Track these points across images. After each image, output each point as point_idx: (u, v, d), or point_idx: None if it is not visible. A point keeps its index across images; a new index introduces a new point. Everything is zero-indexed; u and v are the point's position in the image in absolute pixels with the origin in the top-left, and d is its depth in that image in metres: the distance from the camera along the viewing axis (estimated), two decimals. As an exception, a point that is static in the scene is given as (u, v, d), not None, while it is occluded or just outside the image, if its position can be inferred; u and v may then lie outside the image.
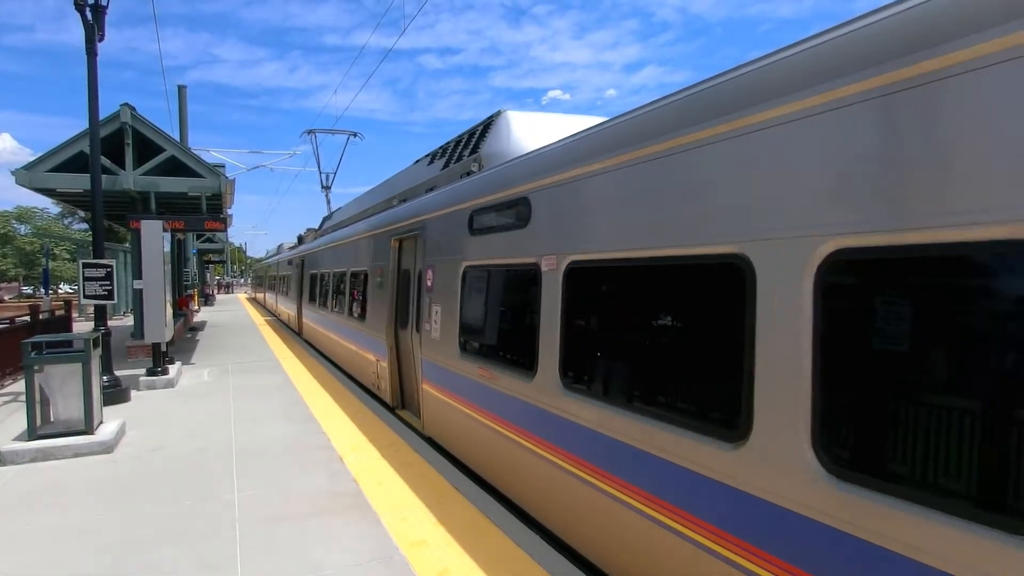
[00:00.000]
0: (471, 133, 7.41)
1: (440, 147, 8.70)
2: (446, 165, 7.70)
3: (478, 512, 4.52)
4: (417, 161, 9.86)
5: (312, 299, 15.48)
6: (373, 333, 8.92)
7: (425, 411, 6.68)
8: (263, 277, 38.32)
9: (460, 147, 7.52)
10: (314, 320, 15.13)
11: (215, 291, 53.74)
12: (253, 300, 44.99)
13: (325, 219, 19.20)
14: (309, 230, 20.99)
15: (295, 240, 28.67)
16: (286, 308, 22.22)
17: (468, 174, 6.54)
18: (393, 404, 8.19)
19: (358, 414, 7.75)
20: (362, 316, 9.69)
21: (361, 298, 9.89)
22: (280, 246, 35.34)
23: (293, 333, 18.72)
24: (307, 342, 15.97)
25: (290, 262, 21.74)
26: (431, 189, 7.74)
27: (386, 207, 10.20)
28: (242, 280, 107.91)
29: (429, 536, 4.14)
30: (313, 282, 15.54)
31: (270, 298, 31.15)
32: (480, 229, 5.37)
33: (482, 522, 4.35)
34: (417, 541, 4.06)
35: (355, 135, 21.12)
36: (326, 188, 22.30)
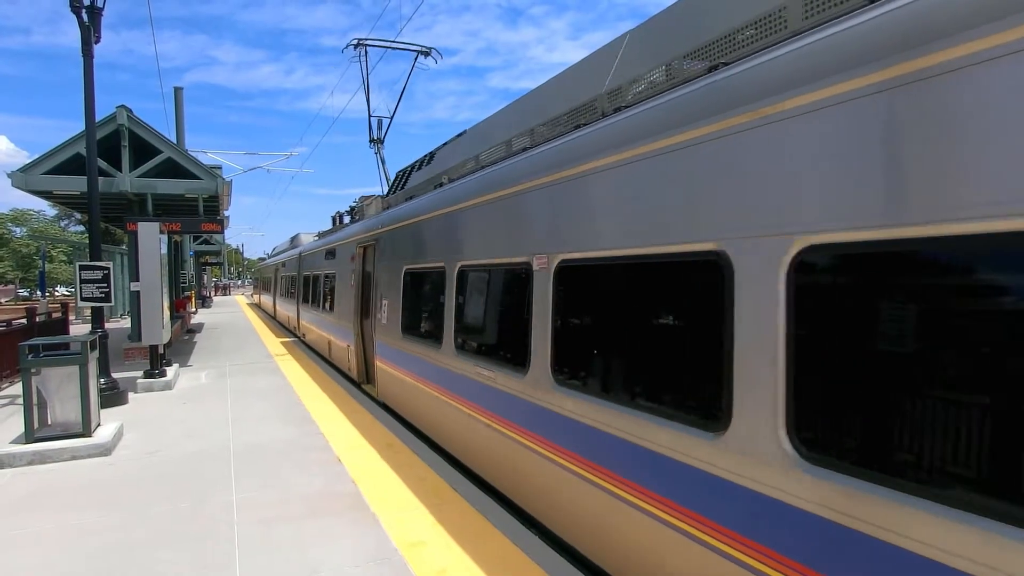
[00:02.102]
0: None
1: None
2: None
3: (477, 513, 4.53)
4: None
5: (447, 331, 6.10)
6: None
7: None
8: (272, 279, 28.92)
9: None
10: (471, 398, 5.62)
11: (212, 293, 53.64)
12: (256, 307, 37.75)
13: (407, 172, 9.87)
14: (365, 199, 12.99)
15: (311, 236, 21.76)
16: (327, 331, 13.28)
17: None
18: None
19: (356, 415, 7.75)
20: None
21: None
22: (295, 238, 26.56)
23: (349, 383, 10.30)
24: (388, 408, 8.43)
25: (331, 253, 13.57)
26: None
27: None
28: (239, 282, 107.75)
29: (428, 536, 4.14)
30: (441, 290, 6.29)
31: (284, 308, 22.31)
32: None
33: (481, 523, 4.36)
34: (416, 542, 4.07)
35: (427, 53, 13.80)
36: (377, 141, 14.63)
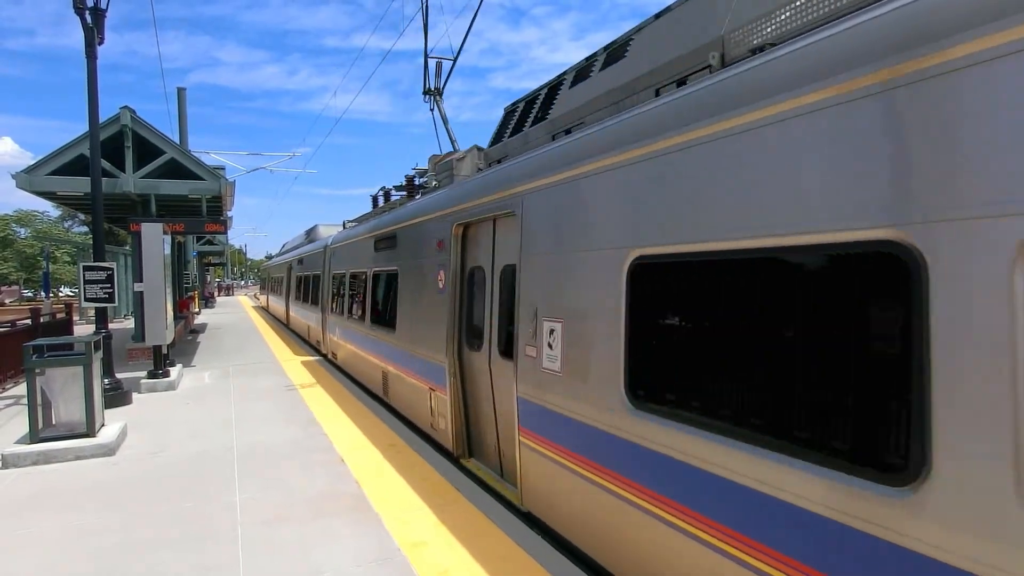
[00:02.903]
0: None
1: None
2: None
3: (479, 513, 4.53)
4: None
5: None
6: None
7: None
8: (283, 280, 23.13)
9: None
10: None
11: (215, 293, 53.75)
12: (263, 310, 33.53)
13: (535, 97, 6.14)
14: (438, 157, 8.90)
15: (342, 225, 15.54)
16: (382, 357, 8.89)
17: None
18: None
19: (360, 416, 7.76)
20: None
21: None
22: (312, 230, 21.59)
23: (430, 445, 6.57)
24: (539, 523, 4.53)
25: (388, 241, 9.01)
26: None
27: None
28: (242, 282, 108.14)
29: (430, 537, 4.15)
30: None
31: (303, 317, 17.65)
32: None
33: (483, 523, 4.36)
34: (418, 542, 4.07)
35: None
36: (434, 92, 10.98)
